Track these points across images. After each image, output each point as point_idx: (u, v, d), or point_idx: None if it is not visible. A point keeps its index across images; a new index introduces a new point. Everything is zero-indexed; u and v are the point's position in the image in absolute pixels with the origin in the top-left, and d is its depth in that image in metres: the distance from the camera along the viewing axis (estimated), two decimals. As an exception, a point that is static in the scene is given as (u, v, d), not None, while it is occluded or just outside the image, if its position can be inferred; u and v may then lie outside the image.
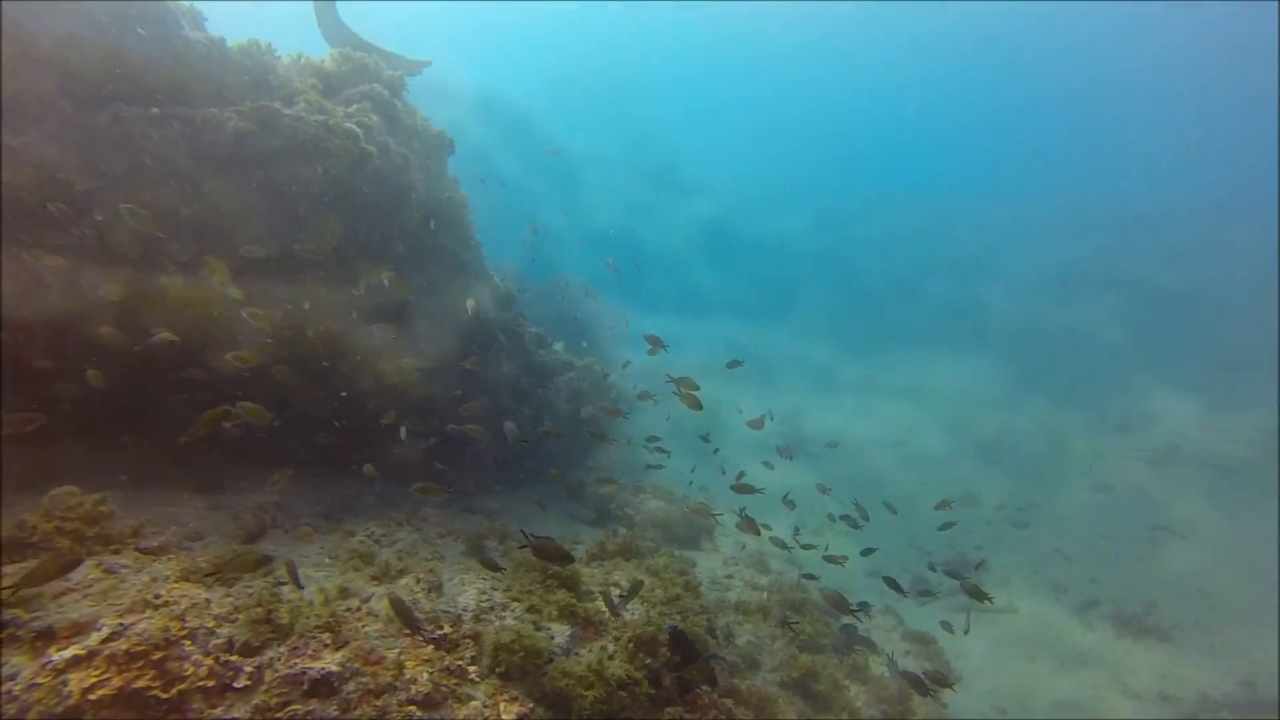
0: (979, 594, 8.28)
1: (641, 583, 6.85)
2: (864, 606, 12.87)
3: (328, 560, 6.11)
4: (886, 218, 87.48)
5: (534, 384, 15.78)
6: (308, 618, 4.40)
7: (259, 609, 4.24)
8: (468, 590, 5.54)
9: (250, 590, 4.69)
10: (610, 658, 5.23)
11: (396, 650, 4.51)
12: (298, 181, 8.36)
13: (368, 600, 5.11)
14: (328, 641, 4.28)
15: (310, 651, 4.16)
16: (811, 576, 10.99)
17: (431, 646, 4.72)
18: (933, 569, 14.53)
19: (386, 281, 9.35)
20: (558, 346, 18.36)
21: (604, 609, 5.81)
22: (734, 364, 11.15)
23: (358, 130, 8.64)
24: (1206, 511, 20.16)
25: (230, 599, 4.50)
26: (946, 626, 11.39)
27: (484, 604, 5.35)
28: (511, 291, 17.20)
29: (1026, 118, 78.36)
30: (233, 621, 4.22)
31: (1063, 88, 72.18)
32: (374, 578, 5.35)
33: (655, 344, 10.49)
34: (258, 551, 5.44)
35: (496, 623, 5.26)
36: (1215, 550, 18.40)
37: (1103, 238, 68.78)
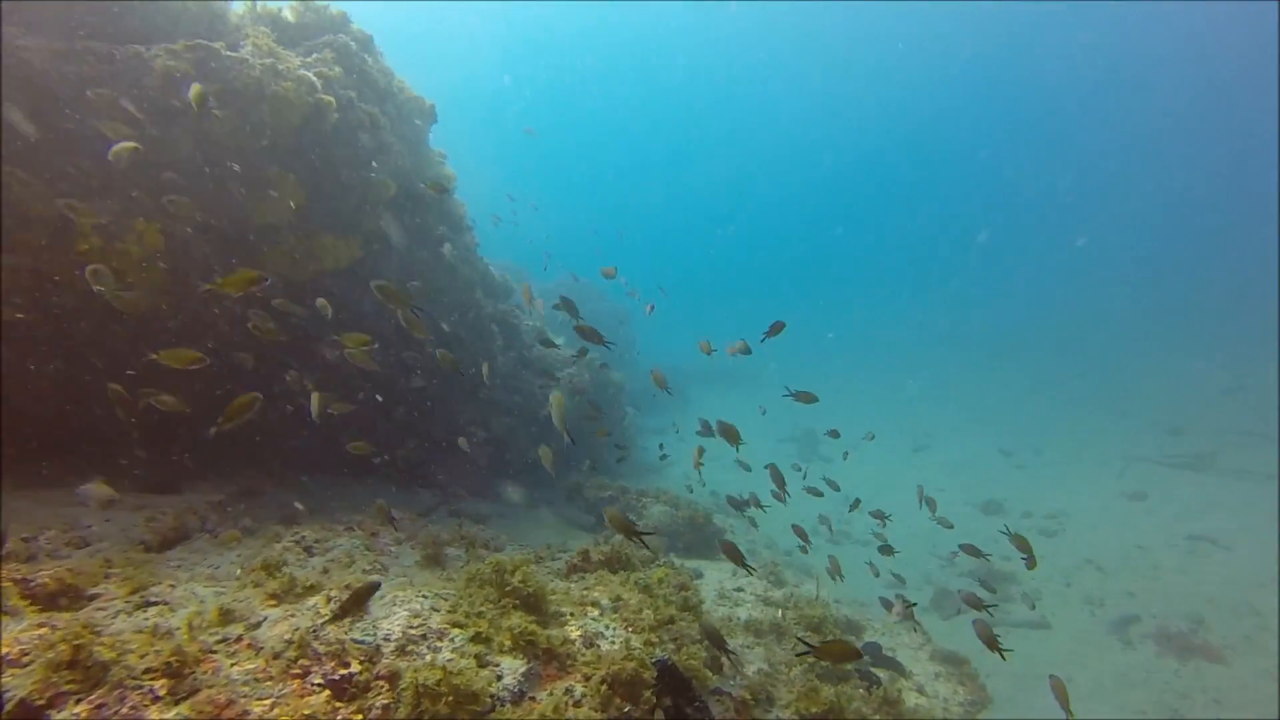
0: (977, 603, 7.35)
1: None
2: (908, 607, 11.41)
3: (239, 572, 4.80)
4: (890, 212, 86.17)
5: (529, 379, 14.46)
6: (142, 656, 3.09)
7: (63, 646, 2.92)
8: (398, 612, 4.18)
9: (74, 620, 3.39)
10: (576, 703, 3.87)
11: (270, 700, 3.18)
12: (241, 135, 7.12)
13: (256, 626, 3.78)
14: (163, 690, 2.96)
15: (127, 708, 2.84)
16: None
17: (328, 693, 3.38)
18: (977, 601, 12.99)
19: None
20: (559, 341, 17.06)
21: (574, 637, 4.45)
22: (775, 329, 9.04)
23: (314, 79, 7.38)
24: (1247, 521, 18.46)
25: (40, 631, 3.20)
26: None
27: (414, 631, 4.00)
28: (509, 283, 15.86)
29: (1025, 118, 76.44)
30: (25, 666, 2.92)
31: (1062, 87, 70.38)
32: (272, 596, 4.02)
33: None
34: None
35: (428, 655, 3.90)
36: (1261, 562, 16.69)
37: (1103, 239, 67.26)
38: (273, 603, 3.99)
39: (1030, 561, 7.30)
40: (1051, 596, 16.45)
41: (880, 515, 10.78)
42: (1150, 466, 22.02)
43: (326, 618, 3.88)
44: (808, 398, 8.02)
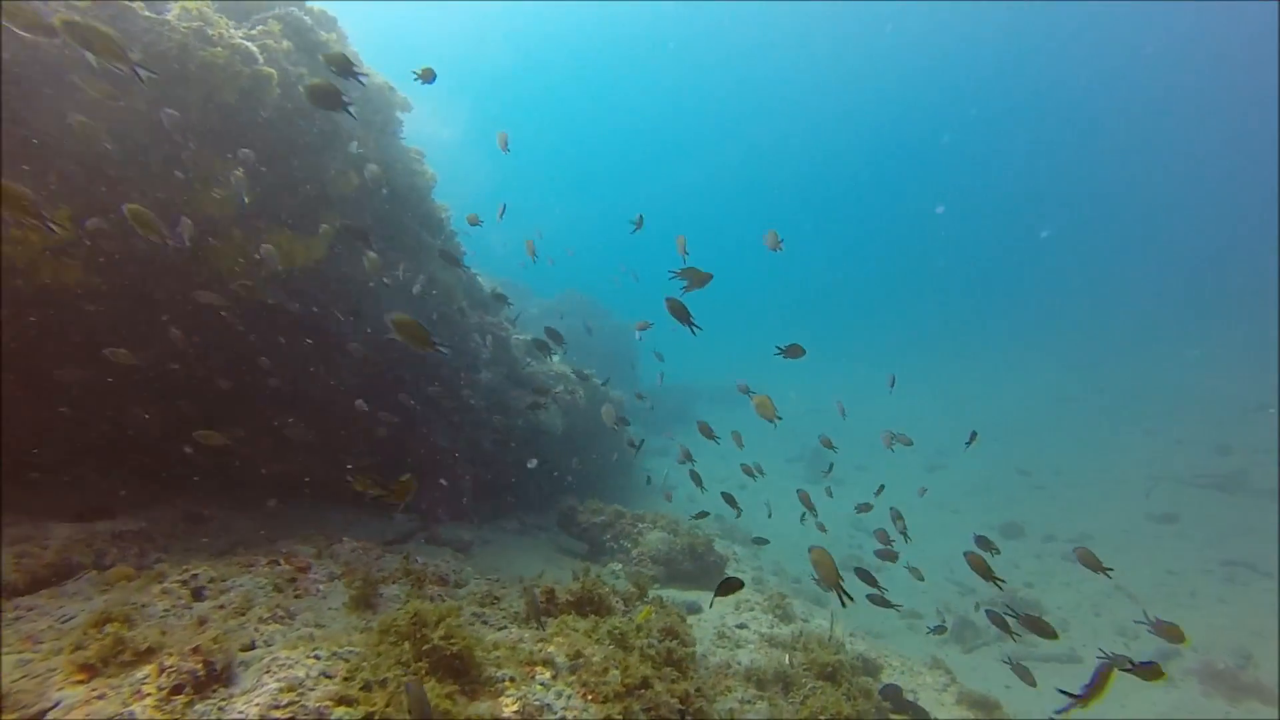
0: (1002, 623, 6.28)
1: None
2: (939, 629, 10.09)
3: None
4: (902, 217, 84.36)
5: (519, 396, 13.33)
6: None
7: None
8: (268, 684, 3.04)
9: None
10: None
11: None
12: (159, 110, 6.10)
13: (52, 708, 2.65)
14: None
15: None
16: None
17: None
18: (1003, 621, 11.60)
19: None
20: (555, 358, 15.94)
21: (508, 714, 3.28)
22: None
23: (253, 49, 6.37)
24: (1287, 545, 17.00)
25: None
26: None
27: (279, 715, 2.86)
28: (502, 295, 14.76)
29: (1024, 118, 75.25)
30: None
31: (1061, 87, 69.31)
32: (83, 668, 2.89)
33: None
34: None
35: (294, 751, 2.75)
36: (1307, 591, 15.27)
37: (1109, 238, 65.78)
38: (81, 677, 2.85)
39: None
40: (1080, 626, 15.03)
41: (898, 516, 9.50)
42: (1178, 487, 20.54)
43: (151, 699, 2.72)
44: (796, 351, 7.59)
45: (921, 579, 10.21)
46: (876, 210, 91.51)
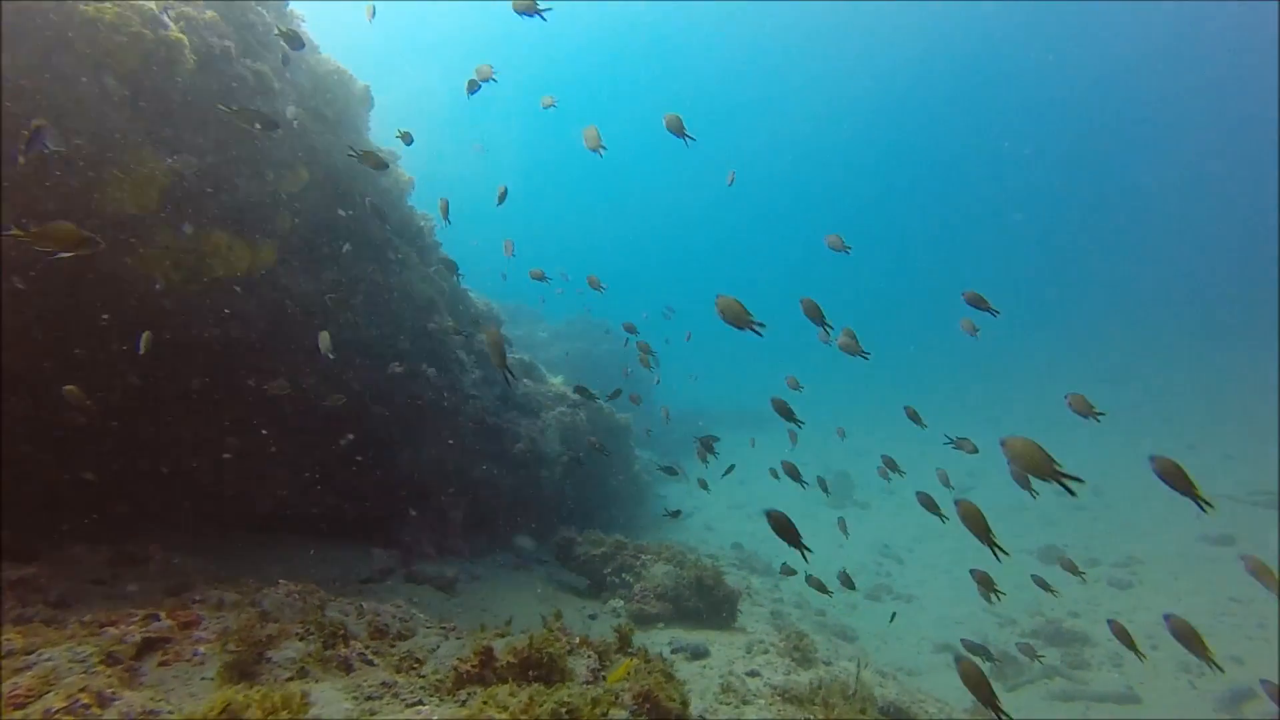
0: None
1: None
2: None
3: None
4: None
5: (511, 419, 12.19)
6: None
7: None
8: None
9: None
10: None
11: None
12: (42, 78, 5.12)
13: None
14: None
15: None
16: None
17: None
18: (1030, 655, 10.04)
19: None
20: (556, 379, 14.83)
21: None
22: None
23: (153, 8, 5.38)
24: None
25: None
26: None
27: None
28: (496, 314, 13.68)
29: (1023, 118, 73.41)
30: None
31: (1060, 87, 67.64)
32: None
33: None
34: None
35: None
36: (1387, 622, 13.45)
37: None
38: None
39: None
40: (1136, 661, 13.30)
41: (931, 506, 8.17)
42: (1231, 505, 18.72)
43: None
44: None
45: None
46: (889, 222, 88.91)
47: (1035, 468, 3.79)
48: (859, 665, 8.13)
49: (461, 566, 10.96)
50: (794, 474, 8.14)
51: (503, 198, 9.01)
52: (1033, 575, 9.48)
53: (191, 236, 6.55)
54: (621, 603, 10.51)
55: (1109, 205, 75.40)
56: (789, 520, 4.12)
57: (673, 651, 8.39)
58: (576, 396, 14.07)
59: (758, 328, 4.76)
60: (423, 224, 10.19)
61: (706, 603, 10.05)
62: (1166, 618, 4.88)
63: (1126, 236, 74.82)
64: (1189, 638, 4.49)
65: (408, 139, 7.36)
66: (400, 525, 10.89)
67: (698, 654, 8.38)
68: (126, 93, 5.34)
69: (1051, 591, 8.81)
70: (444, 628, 5.93)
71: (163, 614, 4.35)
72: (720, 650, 8.62)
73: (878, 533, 20.95)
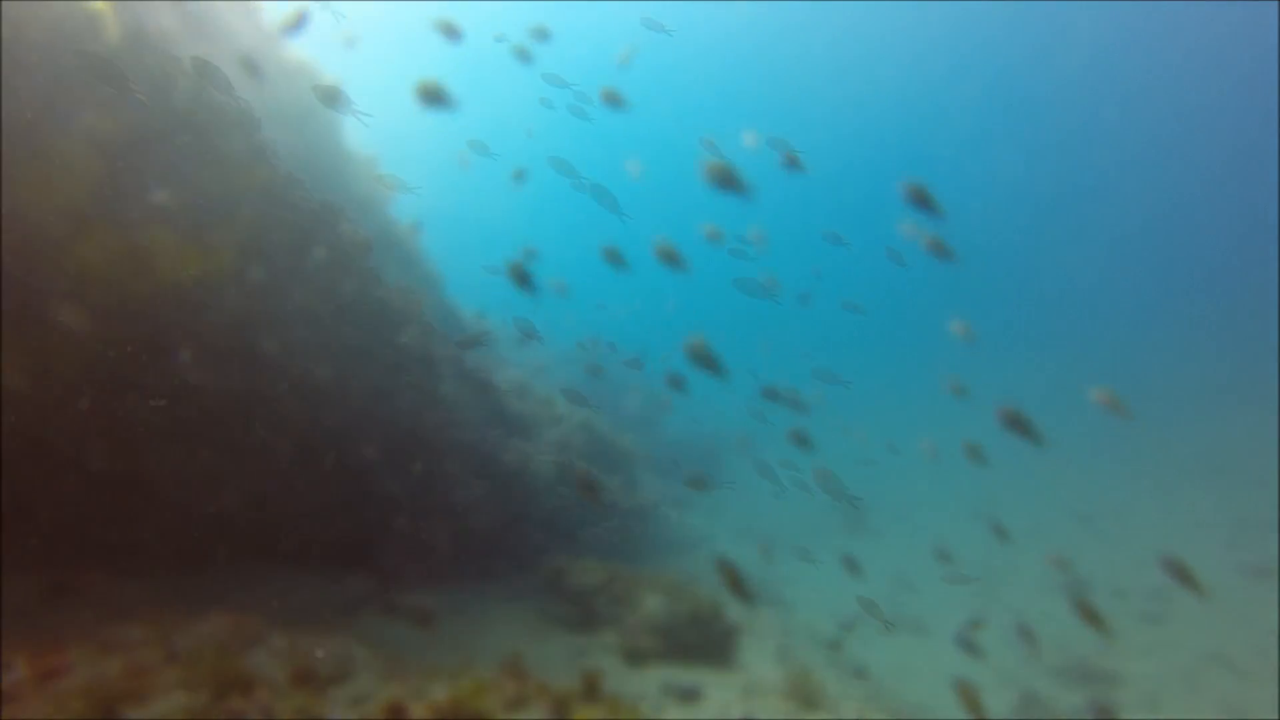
0: None
1: None
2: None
3: None
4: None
5: (503, 440, 11.46)
6: None
7: None
8: None
9: None
10: None
11: None
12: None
13: None
14: None
15: None
16: None
17: None
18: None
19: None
20: (556, 399, 14.11)
21: None
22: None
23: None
24: None
25: None
26: None
27: None
28: (488, 330, 13.00)
29: (1023, 118, 72.05)
30: None
31: (1059, 87, 66.53)
32: None
33: None
34: None
35: None
36: None
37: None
38: None
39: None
40: (1174, 705, 12.15)
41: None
42: (1267, 533, 17.49)
43: None
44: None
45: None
46: (888, 222, 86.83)
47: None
48: (861, 714, 7.21)
49: (445, 596, 10.18)
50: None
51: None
52: (1078, 601, 8.44)
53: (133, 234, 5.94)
54: (614, 638, 9.65)
55: (1109, 205, 73.66)
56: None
57: (662, 694, 7.52)
58: (573, 408, 13.37)
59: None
60: (405, 231, 9.59)
61: (702, 637, 9.17)
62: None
63: (1127, 236, 72.83)
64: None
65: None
66: (381, 551, 10.15)
67: (689, 696, 7.52)
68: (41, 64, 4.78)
69: (1100, 628, 7.79)
70: (388, 669, 5.14)
71: (19, 663, 3.61)
72: (715, 692, 7.73)
73: (891, 559, 19.78)
